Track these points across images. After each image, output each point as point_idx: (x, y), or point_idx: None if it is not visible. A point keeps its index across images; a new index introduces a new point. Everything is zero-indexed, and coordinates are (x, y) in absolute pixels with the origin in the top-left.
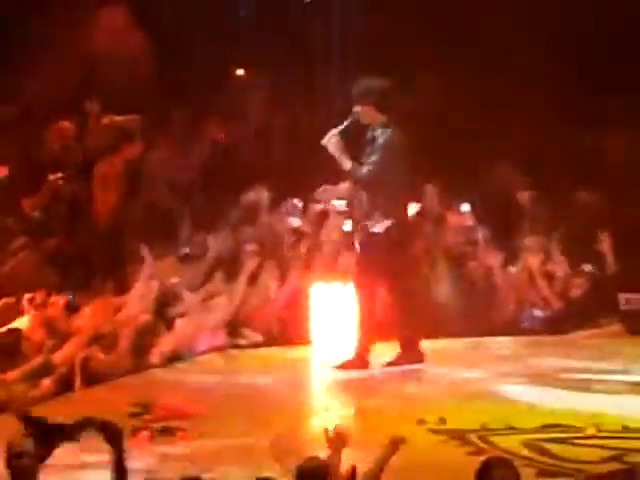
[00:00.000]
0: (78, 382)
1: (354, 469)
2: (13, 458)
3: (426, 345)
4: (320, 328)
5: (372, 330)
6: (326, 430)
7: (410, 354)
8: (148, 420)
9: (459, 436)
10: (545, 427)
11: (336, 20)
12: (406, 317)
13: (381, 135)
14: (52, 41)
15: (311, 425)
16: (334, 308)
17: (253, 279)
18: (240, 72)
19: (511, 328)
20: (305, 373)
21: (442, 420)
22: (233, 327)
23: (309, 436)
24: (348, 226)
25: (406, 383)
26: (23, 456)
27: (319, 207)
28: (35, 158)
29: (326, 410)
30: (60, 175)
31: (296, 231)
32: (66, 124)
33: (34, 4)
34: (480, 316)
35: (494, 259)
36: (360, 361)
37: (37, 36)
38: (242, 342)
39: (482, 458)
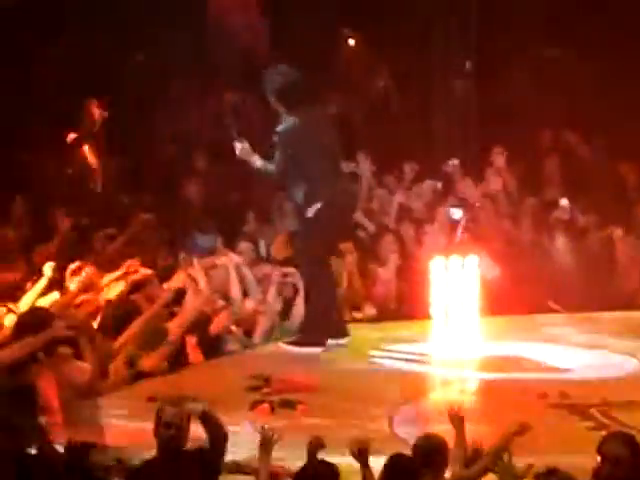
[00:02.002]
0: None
1: (478, 448)
2: (162, 427)
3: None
4: (439, 302)
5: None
6: (447, 405)
7: (310, 336)
8: (267, 393)
9: (580, 411)
10: None
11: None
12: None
13: (280, 127)
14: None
15: (431, 400)
16: (453, 282)
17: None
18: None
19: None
20: (423, 347)
21: (563, 394)
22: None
23: (428, 411)
24: None
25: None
26: (171, 427)
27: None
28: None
29: (447, 384)
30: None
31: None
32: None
33: None
34: (600, 290)
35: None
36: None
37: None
38: (358, 316)
39: (603, 433)
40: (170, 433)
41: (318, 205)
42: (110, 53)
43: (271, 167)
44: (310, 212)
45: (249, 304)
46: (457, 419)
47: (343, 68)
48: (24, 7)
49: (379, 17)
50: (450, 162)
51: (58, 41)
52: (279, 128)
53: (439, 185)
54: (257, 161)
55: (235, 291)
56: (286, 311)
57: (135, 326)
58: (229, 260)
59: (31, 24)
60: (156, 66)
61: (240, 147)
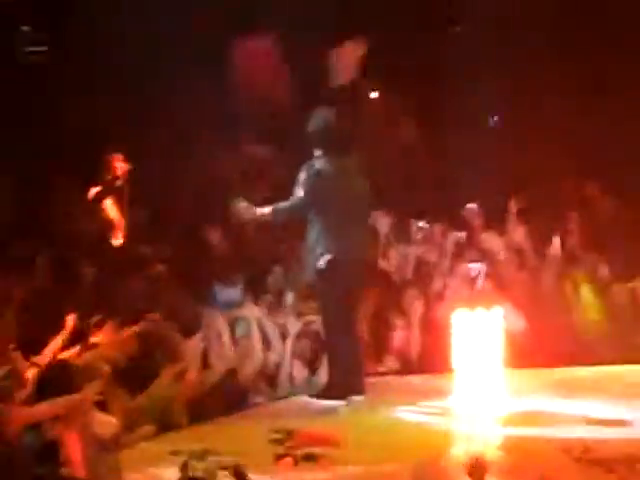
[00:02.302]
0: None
1: None
2: None
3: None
4: (462, 355)
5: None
6: (467, 459)
7: (333, 389)
8: (290, 447)
9: (604, 465)
10: None
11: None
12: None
13: (309, 170)
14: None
15: (453, 454)
16: (476, 335)
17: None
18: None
19: None
20: (447, 401)
21: (587, 449)
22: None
23: (450, 465)
24: None
25: (545, 412)
26: None
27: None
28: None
29: (469, 439)
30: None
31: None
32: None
33: None
34: (625, 342)
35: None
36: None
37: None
38: (381, 369)
39: None
40: None
41: (329, 256)
42: (132, 104)
43: (282, 206)
44: (321, 263)
45: (272, 356)
46: (478, 471)
47: (369, 119)
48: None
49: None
50: (468, 206)
51: (85, 93)
52: (309, 171)
53: (462, 236)
54: (262, 210)
55: (256, 344)
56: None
57: (158, 384)
58: (250, 313)
59: (61, 76)
60: (178, 116)
61: (240, 206)
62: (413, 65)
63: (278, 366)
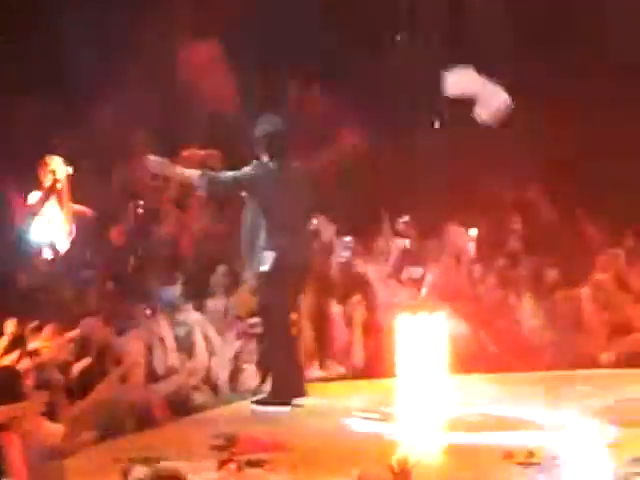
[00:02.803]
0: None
1: None
2: None
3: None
4: (406, 360)
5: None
6: (391, 464)
7: (276, 394)
8: (234, 452)
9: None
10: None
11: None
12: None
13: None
14: (135, 75)
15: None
16: (420, 339)
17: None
18: None
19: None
20: (390, 406)
21: (530, 453)
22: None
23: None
24: None
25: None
26: None
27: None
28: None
29: (412, 445)
30: (140, 203)
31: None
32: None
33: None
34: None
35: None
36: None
37: (118, 70)
38: (326, 374)
39: None
40: None
41: (271, 261)
42: (70, 112)
43: (214, 175)
44: (263, 265)
45: (214, 361)
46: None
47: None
48: None
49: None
50: (401, 220)
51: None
52: (255, 165)
53: (407, 243)
54: (186, 171)
55: (200, 349)
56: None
57: (102, 389)
58: (192, 318)
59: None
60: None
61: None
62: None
63: (222, 371)
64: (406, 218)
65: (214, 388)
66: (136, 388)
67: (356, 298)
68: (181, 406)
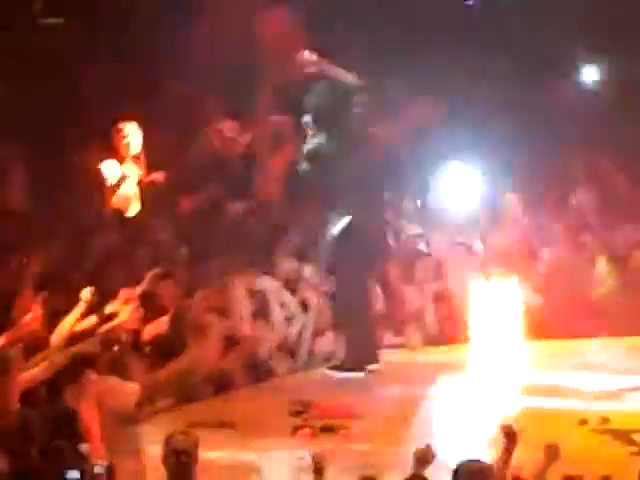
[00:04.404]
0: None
1: (519, 475)
2: (171, 455)
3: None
4: (479, 326)
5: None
6: (499, 428)
7: (351, 360)
8: (308, 418)
9: (622, 436)
10: None
11: None
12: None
13: (311, 143)
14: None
15: (472, 425)
16: (494, 304)
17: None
18: None
19: None
20: (464, 373)
21: (605, 420)
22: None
23: (468, 438)
24: None
25: (564, 384)
26: (181, 454)
27: None
28: (195, 159)
29: (487, 410)
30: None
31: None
32: (228, 123)
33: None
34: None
35: None
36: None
37: (184, 40)
38: (399, 340)
39: None
40: (180, 460)
41: (344, 222)
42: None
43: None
44: (336, 230)
45: (292, 328)
46: (507, 442)
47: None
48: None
49: None
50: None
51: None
52: (311, 144)
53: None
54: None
55: (276, 315)
56: None
57: (182, 360)
58: (268, 285)
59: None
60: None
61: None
62: None
63: (300, 338)
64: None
65: (292, 354)
66: (213, 355)
67: (423, 264)
68: (258, 372)
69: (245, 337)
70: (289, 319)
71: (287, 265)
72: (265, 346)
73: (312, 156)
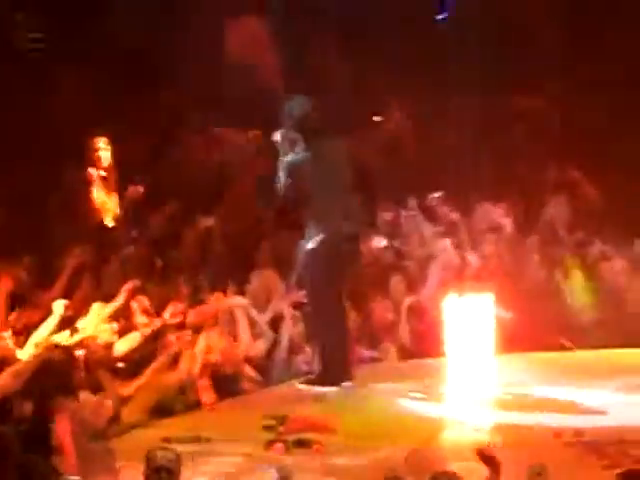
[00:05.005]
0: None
1: None
2: (153, 472)
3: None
4: (453, 340)
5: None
6: (479, 448)
7: (324, 375)
8: (281, 432)
9: (596, 449)
10: None
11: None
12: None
13: (291, 157)
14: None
15: (446, 439)
16: (467, 320)
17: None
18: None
19: None
20: (438, 386)
21: (578, 433)
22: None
23: (444, 450)
24: None
25: (536, 398)
26: (163, 470)
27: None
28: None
29: (461, 424)
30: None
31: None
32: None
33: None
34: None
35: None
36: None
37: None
38: (376, 355)
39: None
40: (161, 477)
41: (321, 237)
42: (123, 88)
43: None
44: (312, 243)
45: (259, 345)
46: (490, 459)
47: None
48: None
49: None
50: (432, 196)
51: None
52: (290, 158)
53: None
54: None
55: (243, 333)
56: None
57: (151, 373)
58: (236, 304)
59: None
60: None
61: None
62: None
63: (269, 353)
64: (438, 194)
65: (262, 371)
66: (184, 373)
67: (397, 278)
68: (229, 388)
69: (215, 353)
70: (258, 336)
71: (258, 280)
72: (233, 362)
73: (291, 170)
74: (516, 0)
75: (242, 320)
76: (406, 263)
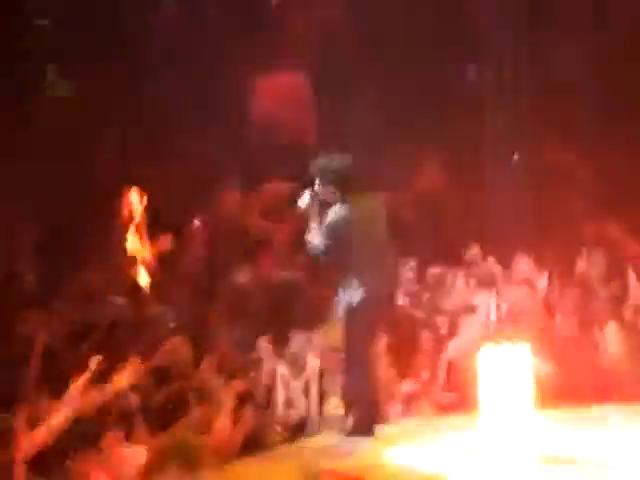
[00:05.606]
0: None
1: None
2: None
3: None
4: (489, 394)
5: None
6: None
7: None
8: None
9: None
10: None
11: None
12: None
13: (334, 214)
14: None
15: None
16: (503, 371)
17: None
18: None
19: None
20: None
21: None
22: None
23: None
24: None
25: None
26: None
27: None
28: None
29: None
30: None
31: None
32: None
33: None
34: None
35: None
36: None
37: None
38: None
39: None
40: None
41: (362, 294)
42: (148, 142)
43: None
44: (356, 298)
45: (294, 413)
46: None
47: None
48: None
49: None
50: (470, 249)
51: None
52: (328, 219)
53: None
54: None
55: (279, 399)
56: None
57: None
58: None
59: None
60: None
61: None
62: None
63: (302, 420)
64: (476, 248)
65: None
66: (221, 433)
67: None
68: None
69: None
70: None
71: (296, 342)
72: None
73: (333, 230)
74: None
75: (280, 389)
76: (437, 318)
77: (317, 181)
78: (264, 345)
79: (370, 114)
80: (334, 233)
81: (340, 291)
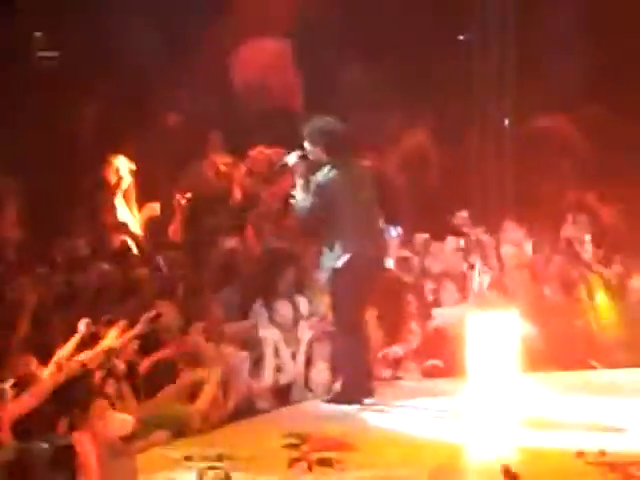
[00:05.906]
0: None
1: None
2: None
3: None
4: (476, 359)
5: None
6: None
7: (347, 393)
8: (304, 451)
9: (620, 469)
10: None
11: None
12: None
13: (317, 178)
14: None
15: (468, 460)
16: (490, 338)
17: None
18: None
19: None
20: (462, 405)
21: (602, 452)
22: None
23: (466, 470)
24: None
25: (561, 415)
26: None
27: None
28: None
29: (483, 443)
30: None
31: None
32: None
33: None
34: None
35: None
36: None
37: (186, 70)
38: (401, 374)
39: None
40: None
41: (347, 256)
42: (135, 113)
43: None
44: (339, 263)
45: (283, 378)
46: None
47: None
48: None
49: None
50: (459, 214)
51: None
52: (317, 179)
53: (461, 243)
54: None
55: (268, 368)
56: None
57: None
58: (269, 335)
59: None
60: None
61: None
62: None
63: (290, 385)
64: (464, 213)
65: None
66: (209, 400)
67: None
68: (247, 407)
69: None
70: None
71: (283, 307)
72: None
73: (322, 191)
74: (547, 19)
75: (269, 355)
76: (424, 281)
77: (306, 142)
78: (259, 310)
79: (357, 78)
80: (322, 192)
81: (325, 255)
